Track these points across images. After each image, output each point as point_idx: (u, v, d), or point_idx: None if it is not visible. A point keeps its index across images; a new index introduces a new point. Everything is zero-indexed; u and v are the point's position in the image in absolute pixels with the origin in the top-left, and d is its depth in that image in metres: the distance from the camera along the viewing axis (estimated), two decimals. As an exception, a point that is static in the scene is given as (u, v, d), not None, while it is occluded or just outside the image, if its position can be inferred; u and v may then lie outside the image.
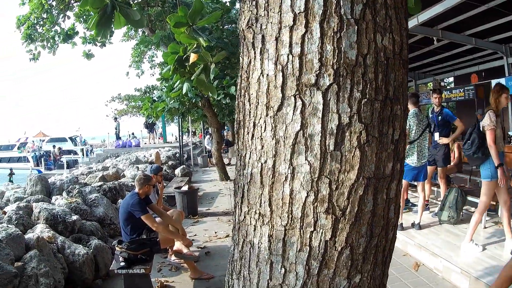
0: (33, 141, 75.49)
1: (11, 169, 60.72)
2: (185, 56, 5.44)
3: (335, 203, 2.59)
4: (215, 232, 12.55)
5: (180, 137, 32.31)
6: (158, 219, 9.49)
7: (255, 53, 2.78)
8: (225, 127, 53.21)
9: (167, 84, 20.08)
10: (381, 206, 2.72)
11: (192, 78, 5.42)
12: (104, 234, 11.34)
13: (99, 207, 12.51)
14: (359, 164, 2.57)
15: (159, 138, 55.88)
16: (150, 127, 50.48)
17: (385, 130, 2.64)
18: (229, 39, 20.58)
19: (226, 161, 28.37)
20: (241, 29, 2.93)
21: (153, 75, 38.11)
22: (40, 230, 9.36)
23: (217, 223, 13.76)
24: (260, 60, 2.73)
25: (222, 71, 21.35)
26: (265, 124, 2.71)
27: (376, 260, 2.80)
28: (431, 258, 9.06)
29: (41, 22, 18.75)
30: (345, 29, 2.50)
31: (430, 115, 12.42)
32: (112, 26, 4.39)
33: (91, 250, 9.42)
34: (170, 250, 9.69)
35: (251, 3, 2.82)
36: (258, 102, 2.76)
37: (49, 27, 18.91)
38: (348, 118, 2.52)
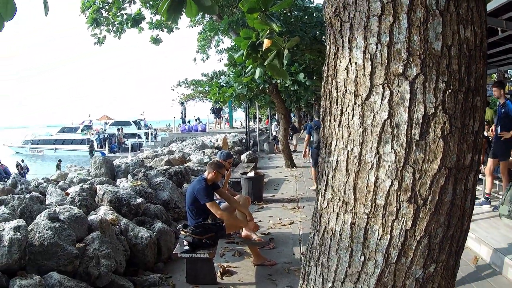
0: (91, 123, 76.70)
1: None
2: (258, 41, 5.37)
3: (417, 192, 2.63)
4: (280, 219, 12.47)
5: (247, 122, 32.26)
6: (224, 204, 9.41)
7: (343, 41, 2.81)
8: (291, 114, 53.14)
9: (234, 70, 20.02)
10: (460, 196, 2.75)
11: (265, 64, 5.35)
12: (168, 218, 11.31)
13: (164, 190, 12.48)
14: (442, 154, 2.63)
15: (225, 123, 56.11)
16: (217, 112, 50.79)
17: (467, 121, 2.69)
18: (298, 25, 20.40)
19: (291, 147, 28.20)
20: (327, 17, 2.97)
21: (220, 60, 38.29)
22: (104, 212, 9.38)
23: (281, 210, 13.67)
24: (348, 48, 2.76)
25: (290, 57, 21.20)
26: (353, 112, 2.74)
27: (450, 250, 2.84)
28: (490, 252, 8.79)
29: (107, 7, 18.85)
30: (431, 20, 2.57)
31: (497, 108, 12.19)
32: (183, 12, 4.27)
33: (155, 233, 9.41)
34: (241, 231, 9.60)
35: None
36: (346, 90, 2.79)
37: (115, 12, 19.00)
38: (433, 109, 2.59)
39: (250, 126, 33.90)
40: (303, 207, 13.74)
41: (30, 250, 7.14)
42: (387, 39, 2.59)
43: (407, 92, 2.56)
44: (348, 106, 2.76)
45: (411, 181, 2.61)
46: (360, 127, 2.70)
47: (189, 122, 54.61)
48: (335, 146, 2.89)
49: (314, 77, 21.85)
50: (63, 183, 13.84)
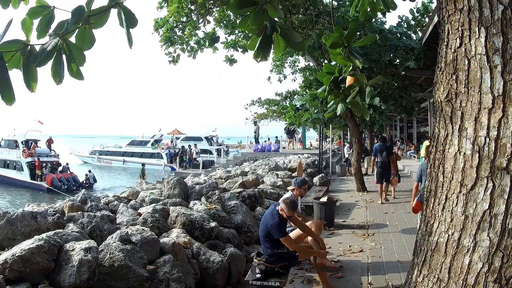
0: (171, 140, 77.49)
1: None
2: (340, 77, 5.43)
3: (503, 273, 2.87)
4: (349, 246, 12.30)
5: (320, 144, 32.17)
6: (296, 231, 9.41)
7: (453, 128, 3.05)
8: (363, 135, 52.76)
9: (309, 92, 20.01)
10: None
11: (347, 101, 5.41)
12: (240, 242, 11.29)
13: (237, 214, 12.50)
14: None
15: (298, 143, 56.02)
16: (290, 133, 50.77)
17: None
18: (373, 47, 20.22)
19: (363, 170, 27.79)
20: (438, 100, 3.23)
21: (294, 80, 38.42)
22: (176, 235, 9.44)
23: (351, 237, 13.49)
24: (458, 137, 3.01)
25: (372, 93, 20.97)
26: (457, 200, 3.00)
27: None
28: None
29: (180, 26, 18.98)
30: None
31: None
32: (272, 48, 4.32)
33: (226, 258, 9.42)
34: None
35: (451, 76, 3.05)
36: (452, 178, 3.04)
37: (190, 31, 19.12)
38: None
39: (322, 147, 33.71)
40: (373, 234, 13.54)
41: (99, 270, 7.27)
42: (495, 133, 2.78)
43: (507, 185, 2.75)
44: (453, 193, 3.00)
45: (499, 264, 2.83)
46: (462, 214, 2.93)
47: (265, 141, 54.67)
48: (437, 228, 3.13)
49: (388, 101, 21.65)
50: (134, 202, 13.99)
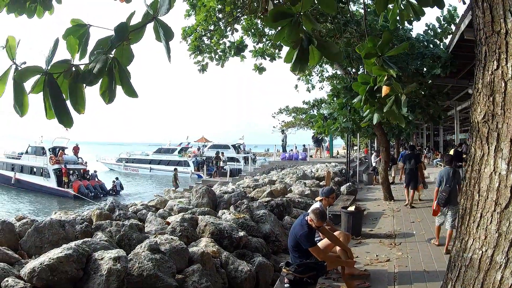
0: (198, 147, 77.63)
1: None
2: (375, 87, 5.47)
3: None
4: (376, 256, 12.25)
5: (348, 153, 32.17)
6: (324, 241, 9.42)
7: (489, 149, 3.14)
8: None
9: (337, 100, 20.00)
10: None
11: (384, 110, 5.47)
12: (268, 251, 11.30)
13: (266, 223, 12.51)
14: None
15: (326, 152, 55.94)
16: (318, 141, 50.71)
17: None
18: (401, 56, 20.10)
19: (389, 179, 27.63)
20: (475, 120, 3.32)
21: (321, 88, 38.20)
22: (205, 244, 9.45)
23: (379, 246, 13.44)
24: (494, 157, 3.09)
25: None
26: (492, 218, 3.09)
27: None
28: None
29: (208, 34, 18.96)
30: None
31: None
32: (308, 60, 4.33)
33: (254, 267, 9.42)
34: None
35: (488, 98, 3.14)
36: (487, 197, 3.12)
37: (217, 39, 19.11)
38: None
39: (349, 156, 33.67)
40: (400, 244, 13.49)
41: (128, 279, 7.34)
42: None
43: None
44: (488, 211, 3.08)
45: None
46: (496, 232, 3.00)
47: (291, 150, 54.63)
48: (471, 244, 3.22)
49: (416, 110, 21.53)
50: (162, 210, 14.06)
